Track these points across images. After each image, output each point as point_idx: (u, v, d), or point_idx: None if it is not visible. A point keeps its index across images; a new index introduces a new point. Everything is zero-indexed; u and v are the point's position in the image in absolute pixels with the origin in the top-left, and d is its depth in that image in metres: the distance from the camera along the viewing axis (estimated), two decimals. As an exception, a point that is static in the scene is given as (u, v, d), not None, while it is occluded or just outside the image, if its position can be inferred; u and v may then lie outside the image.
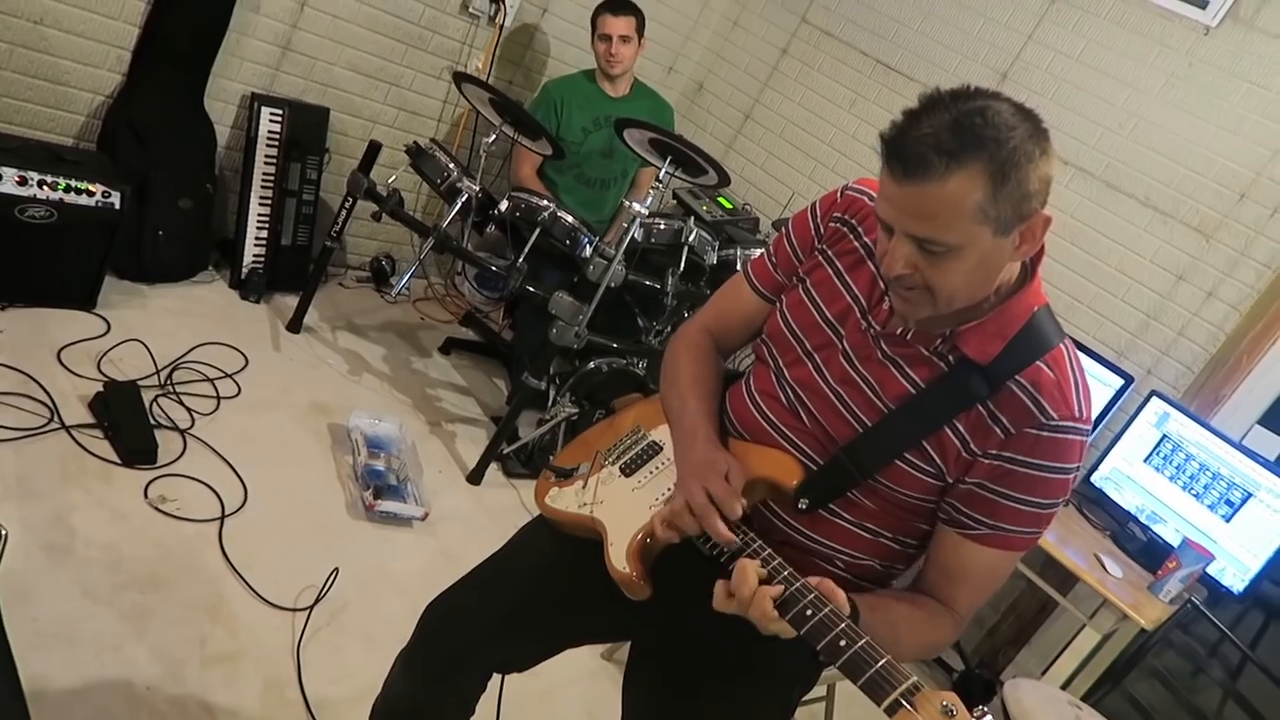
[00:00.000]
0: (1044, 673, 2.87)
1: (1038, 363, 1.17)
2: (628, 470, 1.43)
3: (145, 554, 2.18)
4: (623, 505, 1.38)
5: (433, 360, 3.70)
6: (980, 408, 1.18)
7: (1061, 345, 1.20)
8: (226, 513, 2.40)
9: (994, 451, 1.17)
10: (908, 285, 1.14)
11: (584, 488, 1.45)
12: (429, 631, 1.54)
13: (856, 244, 1.31)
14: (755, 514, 1.31)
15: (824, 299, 1.31)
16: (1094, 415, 1.23)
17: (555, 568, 1.47)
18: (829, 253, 1.34)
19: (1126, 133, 3.34)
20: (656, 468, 1.41)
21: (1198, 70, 3.20)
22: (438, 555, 2.66)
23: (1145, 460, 3.01)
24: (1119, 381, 3.13)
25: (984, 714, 0.92)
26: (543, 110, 3.62)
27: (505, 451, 3.14)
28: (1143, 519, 2.98)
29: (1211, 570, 2.76)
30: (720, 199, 3.93)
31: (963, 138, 1.04)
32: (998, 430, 1.17)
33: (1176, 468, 2.95)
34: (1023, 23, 3.61)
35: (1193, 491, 2.91)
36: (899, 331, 1.23)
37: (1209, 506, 2.86)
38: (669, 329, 3.48)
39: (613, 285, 2.82)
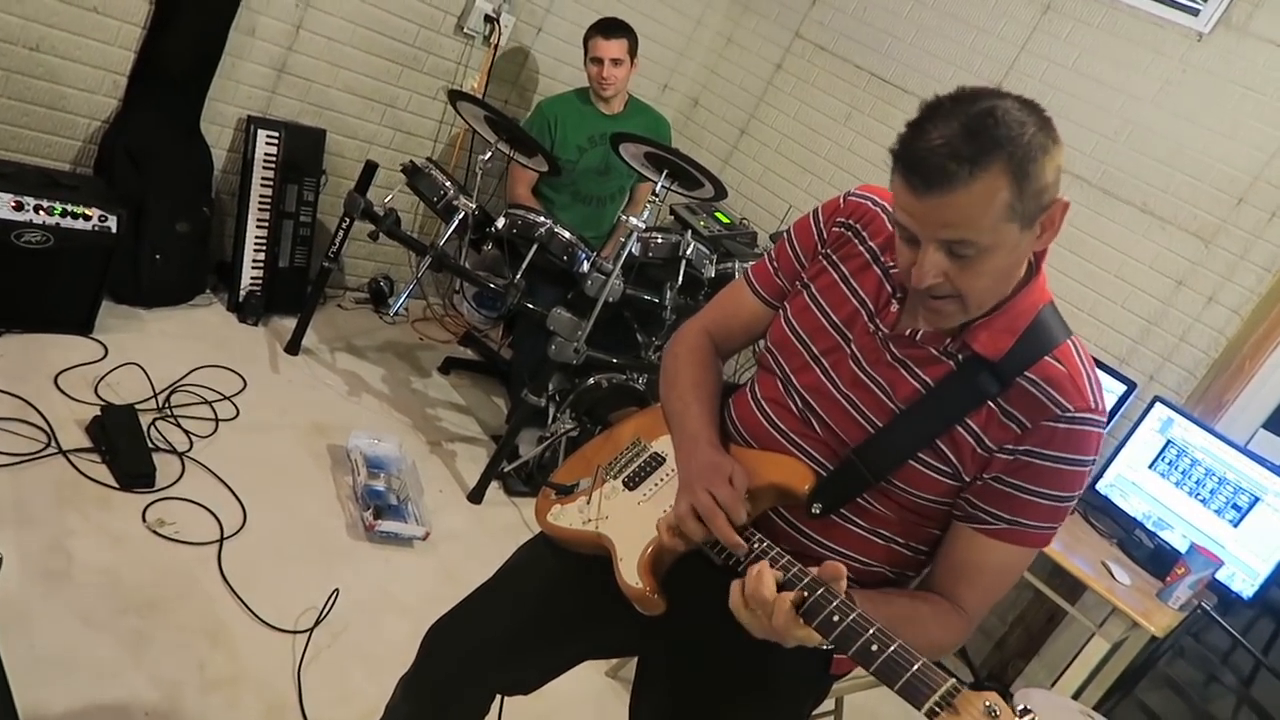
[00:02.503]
0: (1054, 683, 2.83)
1: (1046, 358, 1.17)
2: (631, 484, 1.41)
3: (143, 578, 2.15)
4: (629, 519, 1.37)
5: (432, 380, 3.68)
6: (991, 404, 1.17)
7: (1069, 340, 1.20)
8: (225, 535, 2.38)
9: (1010, 446, 1.16)
10: (939, 294, 1.13)
11: (587, 504, 1.43)
12: (430, 655, 1.52)
13: (861, 248, 1.31)
14: (766, 521, 1.28)
15: (830, 304, 1.30)
16: (1108, 408, 1.22)
17: (558, 586, 1.45)
18: (833, 258, 1.33)
19: (1123, 140, 3.34)
20: (661, 479, 1.39)
21: (1192, 76, 3.21)
22: (439, 575, 2.64)
23: (1150, 466, 2.99)
24: (1122, 388, 3.11)
25: (1028, 713, 0.89)
26: (537, 129, 3.62)
27: (506, 470, 3.12)
28: (1149, 525, 2.96)
29: (1220, 576, 2.74)
30: (718, 214, 3.93)
31: (979, 141, 1.03)
32: (1013, 425, 1.16)
33: (1182, 473, 2.93)
34: (1015, 33, 3.62)
35: (1199, 497, 2.89)
36: (908, 333, 1.22)
37: (1216, 511, 2.84)
38: (667, 343, 3.47)
39: (611, 300, 2.81)
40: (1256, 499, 2.78)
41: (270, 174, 3.36)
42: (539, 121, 3.65)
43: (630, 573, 1.28)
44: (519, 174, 3.58)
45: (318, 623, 2.25)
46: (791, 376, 1.31)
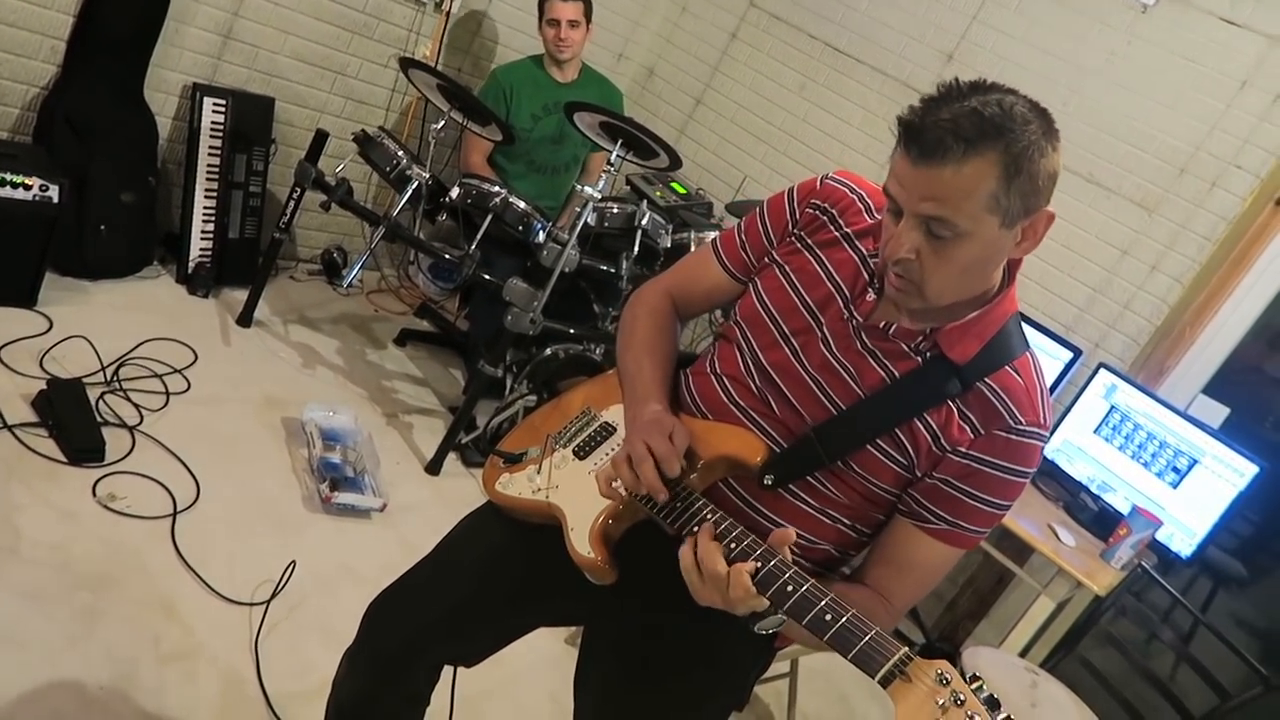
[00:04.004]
0: (1001, 642, 2.92)
1: (1006, 368, 1.20)
2: (581, 453, 1.42)
3: (95, 553, 2.13)
4: (580, 489, 1.37)
5: (388, 352, 3.66)
6: (950, 404, 1.19)
7: (1028, 354, 1.23)
8: (178, 509, 2.35)
9: (964, 449, 1.19)
10: (903, 274, 1.15)
11: (537, 472, 1.43)
12: (373, 629, 1.51)
13: (836, 233, 1.31)
14: (716, 493, 1.29)
15: (804, 285, 1.30)
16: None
17: (503, 557, 1.45)
18: (807, 240, 1.33)
19: (1070, 111, 3.39)
20: (611, 449, 1.40)
21: (1136, 48, 3.26)
22: (397, 546, 2.63)
23: (1095, 431, 3.07)
24: (1068, 355, 3.19)
25: (977, 679, 0.92)
26: (491, 97, 3.60)
27: (463, 441, 3.12)
28: (1094, 489, 3.04)
29: (1160, 536, 2.83)
30: (673, 184, 3.93)
31: (982, 126, 1.05)
32: (968, 429, 1.19)
33: (1125, 437, 3.01)
34: (967, 4, 3.65)
35: (1141, 460, 2.97)
36: (881, 325, 1.23)
37: (1157, 474, 2.93)
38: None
39: (567, 270, 2.81)
40: (1195, 461, 2.87)
41: (218, 143, 3.30)
42: (494, 89, 3.62)
43: (581, 542, 1.28)
44: (473, 143, 3.54)
45: (274, 595, 2.24)
46: (759, 353, 1.31)
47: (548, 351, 3.07)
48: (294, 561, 2.31)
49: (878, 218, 1.29)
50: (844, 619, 1.01)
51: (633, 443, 1.24)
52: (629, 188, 3.87)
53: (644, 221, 2.97)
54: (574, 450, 1.43)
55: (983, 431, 1.18)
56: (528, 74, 3.66)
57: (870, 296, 1.24)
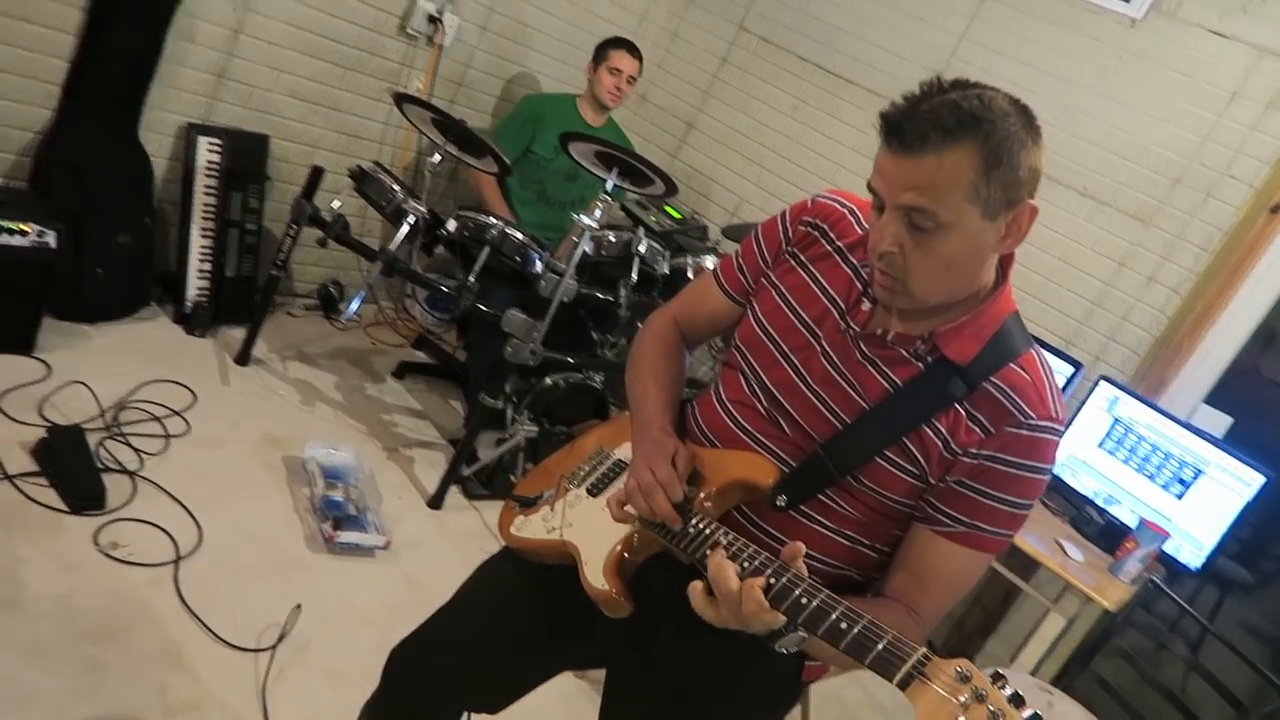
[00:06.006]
0: (1012, 660, 2.90)
1: (1011, 365, 1.19)
2: (595, 491, 1.41)
3: (98, 604, 2.11)
4: (593, 524, 1.36)
5: (386, 385, 3.65)
6: (958, 407, 1.18)
7: (1032, 350, 1.22)
8: (181, 555, 2.33)
9: (975, 450, 1.17)
10: (887, 269, 1.16)
11: (551, 513, 1.43)
12: (392, 681, 1.50)
13: (828, 246, 1.32)
14: (729, 520, 1.29)
15: (800, 302, 1.32)
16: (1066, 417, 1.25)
17: (521, 603, 1.44)
18: (801, 257, 1.34)
19: (1062, 126, 3.40)
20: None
21: (1127, 62, 3.28)
22: (402, 584, 2.62)
23: (1099, 445, 3.07)
24: (1069, 369, 3.19)
25: (1000, 677, 0.90)
26: (519, 122, 3.72)
27: (465, 474, 3.10)
28: (1100, 502, 3.03)
29: (1168, 548, 2.82)
30: (668, 208, 3.94)
31: (961, 117, 1.07)
32: (978, 430, 1.18)
33: (1129, 450, 3.01)
34: (955, 23, 3.67)
35: (1146, 472, 2.97)
36: (879, 333, 1.24)
37: (1162, 486, 2.92)
38: (623, 341, 3.48)
39: (565, 300, 2.80)
40: (1200, 472, 2.86)
41: (213, 182, 3.30)
42: (525, 113, 3.73)
43: (595, 575, 1.28)
44: (487, 180, 3.62)
45: (280, 639, 2.22)
46: (761, 373, 1.32)
47: (548, 381, 3.06)
48: (299, 605, 2.29)
49: (867, 229, 1.30)
50: (859, 625, 1.00)
51: (638, 470, 1.25)
52: (624, 213, 3.88)
53: (641, 248, 2.97)
54: (587, 489, 1.43)
55: (993, 430, 1.17)
56: (562, 108, 3.79)
57: (865, 306, 1.25)
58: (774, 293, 1.35)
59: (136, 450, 2.60)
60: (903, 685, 0.94)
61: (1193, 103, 3.17)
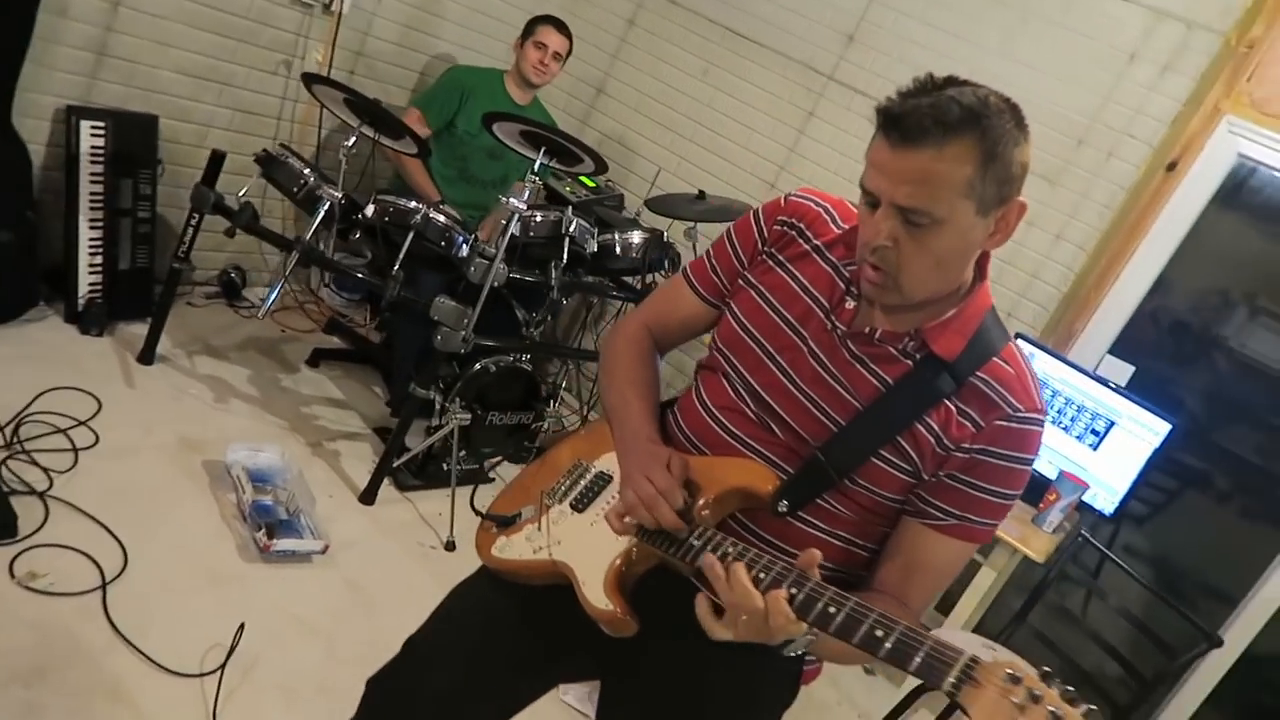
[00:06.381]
0: (946, 615, 3.01)
1: (994, 359, 1.22)
2: (579, 506, 1.37)
3: (23, 642, 1.96)
4: (584, 542, 1.33)
5: (302, 375, 3.50)
6: (948, 403, 1.20)
7: (1011, 344, 1.24)
8: (107, 579, 2.19)
9: (967, 445, 1.19)
10: (879, 264, 1.16)
11: (537, 531, 1.39)
12: (374, 712, 1.45)
13: (806, 245, 1.32)
14: (725, 528, 1.27)
15: (781, 301, 1.31)
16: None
17: (505, 626, 1.40)
18: (778, 256, 1.33)
19: (970, 88, 3.46)
20: (611, 498, 1.36)
21: (1032, 25, 3.35)
22: (344, 588, 2.53)
23: (1017, 401, 3.18)
24: (986, 328, 3.28)
25: (1049, 675, 0.90)
26: (445, 94, 3.57)
27: (394, 464, 3.01)
28: (1020, 457, 3.15)
29: (1085, 497, 2.96)
30: (582, 178, 3.87)
31: (960, 112, 1.08)
32: (969, 424, 1.19)
33: (1045, 404, 3.13)
34: (864, -16, 3.68)
35: (1062, 425, 3.10)
36: (866, 331, 1.24)
37: (1077, 438, 3.06)
38: (549, 318, 3.42)
39: (496, 284, 2.72)
40: (1112, 423, 3.01)
41: (99, 168, 3.05)
42: (452, 85, 3.59)
43: (596, 595, 1.25)
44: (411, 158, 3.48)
45: (227, 660, 2.12)
46: (747, 376, 1.30)
47: (477, 366, 2.98)
48: (243, 623, 2.18)
49: (844, 227, 1.32)
50: (896, 632, 0.99)
51: (635, 481, 1.23)
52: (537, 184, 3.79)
53: (571, 229, 2.90)
54: (571, 504, 1.39)
55: (983, 425, 1.19)
56: (489, 83, 3.66)
57: (850, 304, 1.25)
58: (753, 293, 1.34)
59: (43, 469, 2.42)
60: (953, 691, 0.93)
61: (1094, 63, 3.27)
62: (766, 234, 1.35)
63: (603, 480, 1.39)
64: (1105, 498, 3.00)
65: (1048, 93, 3.33)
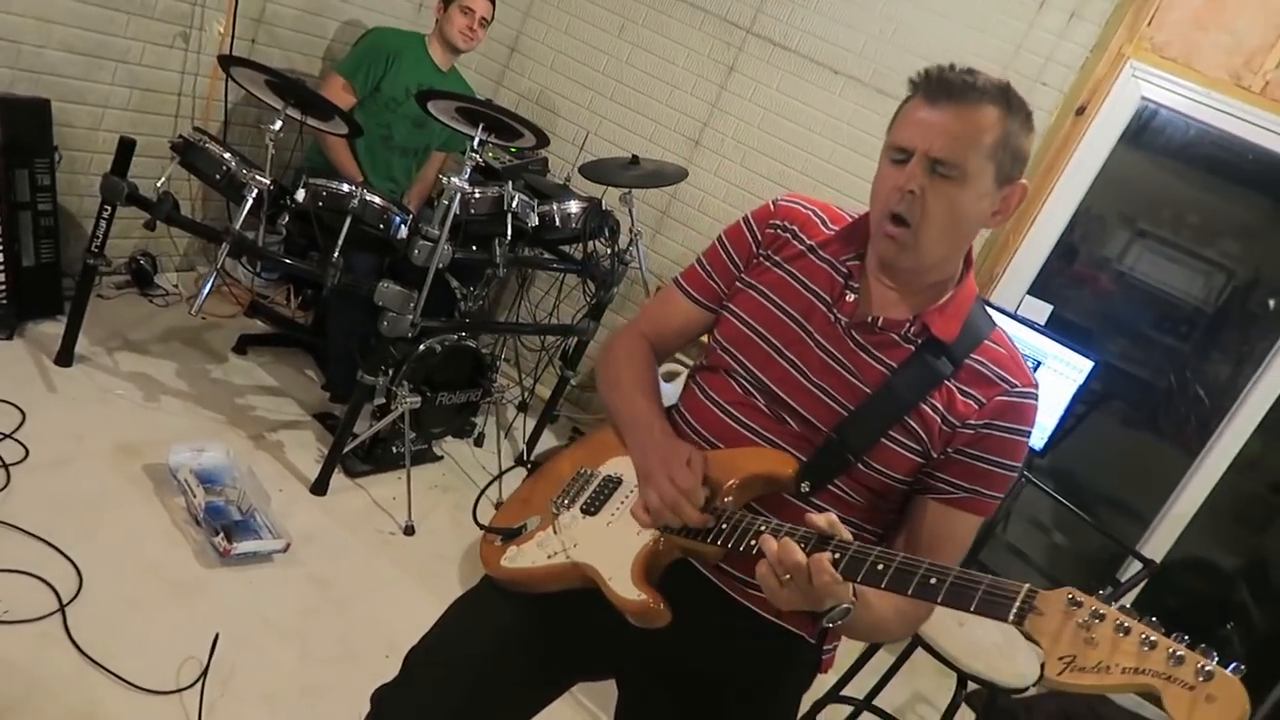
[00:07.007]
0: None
1: (986, 342, 1.30)
2: (591, 509, 1.38)
3: (-14, 677, 1.88)
4: (603, 541, 1.34)
5: (231, 364, 3.36)
6: (949, 384, 1.26)
7: (998, 328, 1.32)
8: (64, 602, 2.10)
9: (973, 420, 1.25)
10: (905, 214, 1.22)
11: (549, 537, 1.39)
12: None
13: (800, 246, 1.38)
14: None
15: (783, 299, 1.36)
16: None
17: (517, 638, 1.40)
18: (774, 257, 1.39)
19: (888, 38, 3.52)
20: (624, 499, 1.37)
21: (945, -26, 3.41)
22: (309, 585, 2.48)
23: (949, 346, 3.30)
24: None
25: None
26: (370, 59, 3.40)
27: (343, 451, 2.94)
28: (954, 399, 3.29)
29: (1016, 434, 3.11)
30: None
31: (992, 86, 1.21)
32: (972, 402, 1.26)
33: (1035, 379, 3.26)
34: (779, -64, 3.66)
35: (991, 367, 3.23)
36: (869, 319, 1.30)
37: (1007, 378, 3.20)
38: (486, 292, 3.37)
39: (441, 266, 2.66)
40: (1039, 363, 3.15)
41: (-9, 160, 2.84)
42: (376, 48, 3.42)
43: (625, 587, 1.26)
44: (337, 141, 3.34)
45: (205, 673, 2.06)
46: (756, 371, 1.34)
47: (422, 347, 2.92)
48: (217, 634, 2.12)
49: (834, 229, 1.38)
50: (951, 577, 1.03)
51: (657, 481, 1.27)
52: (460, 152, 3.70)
53: (514, 205, 2.84)
54: (581, 508, 1.40)
55: (985, 401, 1.26)
56: (412, 47, 3.50)
57: (850, 297, 1.32)
58: (752, 293, 1.39)
59: (-25, 490, 2.29)
60: (1018, 621, 0.97)
61: (1005, 12, 3.37)
62: (760, 237, 1.41)
63: (612, 483, 1.41)
64: (1035, 434, 3.15)
65: (961, 41, 3.41)
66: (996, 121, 1.20)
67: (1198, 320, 4.28)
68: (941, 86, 1.21)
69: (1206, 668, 0.84)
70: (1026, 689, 2.27)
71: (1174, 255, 4.14)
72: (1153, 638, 0.88)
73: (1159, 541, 3.44)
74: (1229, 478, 3.39)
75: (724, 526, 1.24)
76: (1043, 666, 1.01)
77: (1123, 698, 3.44)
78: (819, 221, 1.39)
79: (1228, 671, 0.84)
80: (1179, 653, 0.86)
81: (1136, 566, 2.83)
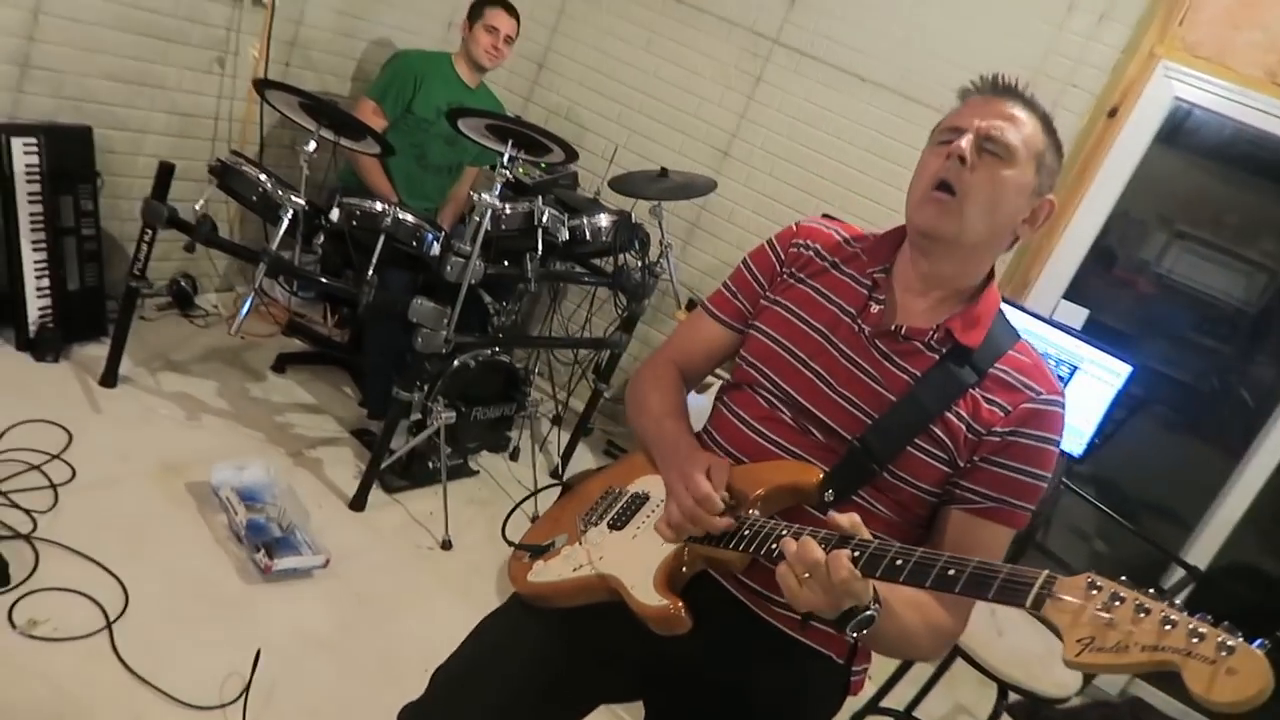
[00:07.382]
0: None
1: (1010, 352, 1.30)
2: (618, 525, 1.39)
3: (35, 694, 1.92)
4: (628, 553, 1.34)
5: (270, 382, 3.42)
6: (974, 392, 1.26)
7: (1023, 339, 1.33)
8: (111, 619, 2.14)
9: (999, 428, 1.25)
10: (953, 181, 1.25)
11: (576, 550, 1.40)
12: None
13: (824, 263, 1.41)
14: None
15: (809, 312, 1.37)
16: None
17: (545, 655, 1.41)
18: (799, 274, 1.41)
19: (915, 45, 3.51)
20: (650, 514, 1.38)
21: (974, -20, 3.40)
22: (349, 599, 2.51)
23: (984, 353, 3.27)
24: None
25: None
26: (399, 82, 3.45)
27: (380, 467, 2.97)
28: (990, 406, 3.26)
29: (1054, 441, 3.08)
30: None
31: (1041, 106, 1.30)
32: (997, 410, 1.25)
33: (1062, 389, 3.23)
34: (805, -54, 3.67)
35: (1027, 373, 3.20)
36: (893, 328, 1.30)
37: (1043, 385, 3.17)
38: (518, 307, 3.40)
39: (473, 282, 2.69)
40: (1076, 368, 3.12)
41: (37, 187, 2.91)
42: (404, 70, 3.47)
43: (648, 594, 1.26)
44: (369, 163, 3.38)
45: (248, 689, 2.09)
46: (781, 383, 1.35)
47: (457, 363, 2.95)
48: (259, 650, 2.15)
49: (857, 245, 1.41)
50: (970, 567, 1.01)
51: (677, 493, 1.29)
52: (489, 168, 3.74)
53: (544, 219, 2.87)
54: (608, 524, 1.41)
55: (1011, 408, 1.25)
56: (440, 67, 3.55)
57: (875, 307, 1.33)
58: (778, 309, 1.41)
59: (24, 510, 2.34)
60: (1035, 606, 0.95)
61: (1035, 15, 3.34)
62: (783, 256, 1.44)
63: (639, 499, 1.41)
64: (1074, 441, 3.11)
65: (989, 46, 3.39)
66: (1041, 133, 1.27)
67: (1240, 322, 4.21)
68: (997, 85, 1.29)
69: (1228, 642, 0.81)
70: (1068, 698, 2.24)
71: (1214, 256, 4.07)
72: (1173, 617, 0.85)
73: (1203, 548, 3.38)
74: (1275, 481, 3.32)
75: (746, 533, 1.23)
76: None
77: (1167, 703, 3.38)
78: (841, 240, 1.42)
79: (1252, 646, 0.81)
80: (1200, 629, 0.83)
81: (1180, 574, 2.78)
